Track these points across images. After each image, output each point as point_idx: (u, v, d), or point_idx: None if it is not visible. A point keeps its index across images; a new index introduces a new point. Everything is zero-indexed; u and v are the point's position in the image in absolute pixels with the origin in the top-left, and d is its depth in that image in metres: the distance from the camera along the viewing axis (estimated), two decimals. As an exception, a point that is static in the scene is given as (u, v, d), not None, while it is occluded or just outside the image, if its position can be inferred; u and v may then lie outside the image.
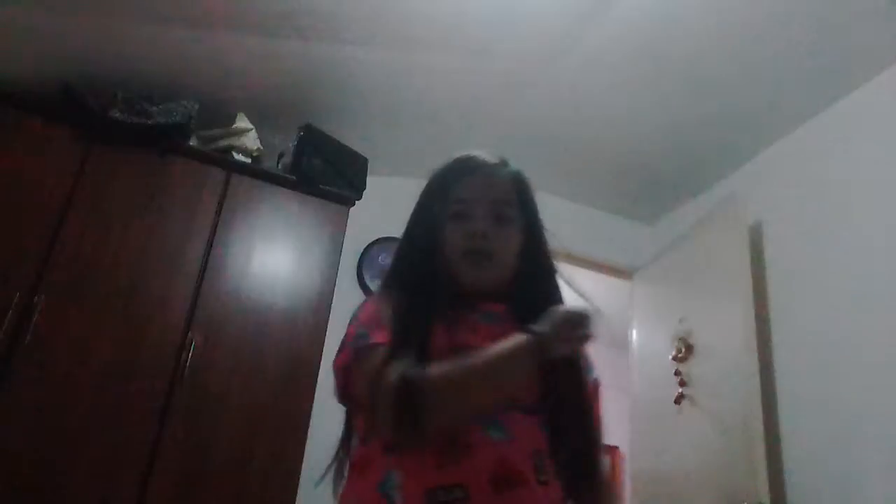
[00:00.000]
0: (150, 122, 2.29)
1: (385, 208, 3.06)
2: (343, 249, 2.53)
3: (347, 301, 2.80)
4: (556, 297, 1.02)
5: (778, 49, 2.22)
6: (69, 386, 1.97)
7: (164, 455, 2.00)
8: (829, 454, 2.10)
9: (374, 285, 2.94)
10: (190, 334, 2.14)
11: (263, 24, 2.23)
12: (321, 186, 2.55)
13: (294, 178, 2.51)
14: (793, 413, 2.28)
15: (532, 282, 1.01)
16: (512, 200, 1.03)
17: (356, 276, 2.95)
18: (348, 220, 2.58)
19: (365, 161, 2.75)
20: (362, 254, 2.98)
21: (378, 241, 3.01)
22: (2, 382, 1.91)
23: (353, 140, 2.72)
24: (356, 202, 2.64)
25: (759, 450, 2.16)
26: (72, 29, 2.22)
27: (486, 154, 1.08)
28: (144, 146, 2.31)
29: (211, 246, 2.28)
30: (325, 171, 2.57)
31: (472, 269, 0.97)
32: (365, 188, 2.71)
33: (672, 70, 2.39)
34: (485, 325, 0.96)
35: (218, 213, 2.34)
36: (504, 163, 1.08)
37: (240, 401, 2.15)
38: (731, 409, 2.31)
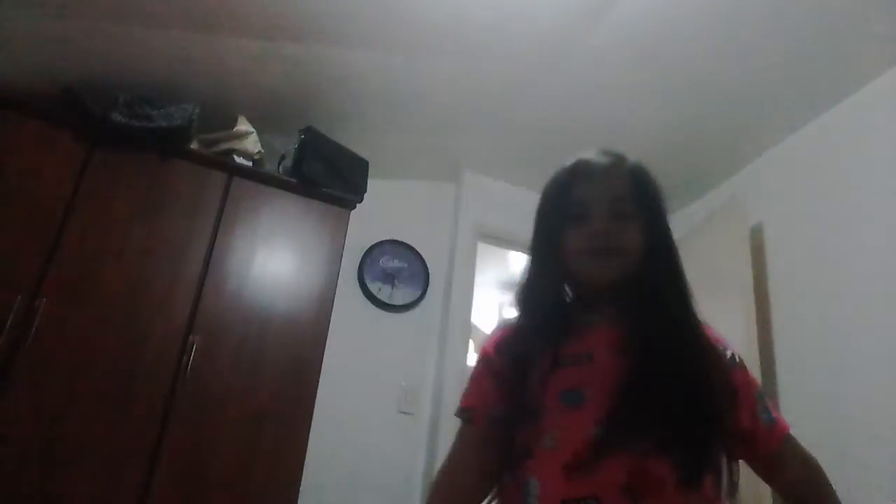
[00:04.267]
0: (151, 125, 2.30)
1: (386, 211, 3.07)
2: (344, 252, 2.53)
3: (348, 303, 2.84)
4: (674, 295, 1.00)
5: (779, 51, 2.22)
6: (70, 389, 1.97)
7: (165, 458, 2.00)
8: (832, 456, 2.09)
9: (374, 287, 2.95)
10: (191, 337, 2.14)
11: (264, 27, 2.24)
12: (322, 189, 2.55)
13: (295, 180, 2.52)
14: (795, 414, 2.27)
15: (654, 278, 0.99)
16: (629, 196, 1.02)
17: (357, 279, 2.95)
18: (349, 223, 2.58)
19: (366, 164, 2.75)
20: (363, 256, 2.98)
21: (379, 243, 3.01)
22: (3, 385, 1.91)
23: (353, 143, 2.73)
24: (357, 205, 2.64)
25: (762, 452, 2.16)
26: (73, 32, 2.22)
27: (599, 154, 1.07)
28: (146, 149, 2.31)
29: (212, 249, 2.29)
30: (326, 174, 2.57)
31: (599, 264, 0.97)
32: (366, 191, 2.71)
33: (673, 72, 2.39)
34: (593, 329, 0.97)
35: (219, 215, 2.34)
36: (620, 159, 1.07)
37: (241, 404, 2.15)
38: (733, 411, 2.30)
